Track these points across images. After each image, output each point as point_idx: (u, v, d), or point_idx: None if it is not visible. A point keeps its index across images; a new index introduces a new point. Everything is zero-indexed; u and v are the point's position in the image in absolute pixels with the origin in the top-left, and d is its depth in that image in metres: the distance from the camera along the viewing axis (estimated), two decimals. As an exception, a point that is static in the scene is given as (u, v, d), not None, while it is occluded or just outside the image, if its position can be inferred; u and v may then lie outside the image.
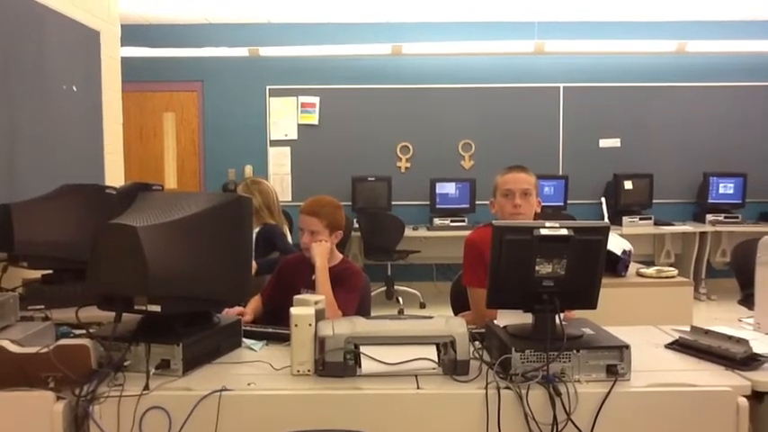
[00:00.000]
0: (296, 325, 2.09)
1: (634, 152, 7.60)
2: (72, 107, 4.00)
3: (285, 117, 7.46)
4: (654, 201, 7.38)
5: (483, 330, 2.37)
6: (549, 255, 2.09)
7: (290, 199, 7.42)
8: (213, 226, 2.20)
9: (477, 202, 7.24)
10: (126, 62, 6.85)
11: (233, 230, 2.28)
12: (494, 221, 2.18)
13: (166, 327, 2.13)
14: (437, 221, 7.06)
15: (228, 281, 2.26)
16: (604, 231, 2.14)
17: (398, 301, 6.75)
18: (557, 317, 2.14)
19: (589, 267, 2.14)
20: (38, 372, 2.01)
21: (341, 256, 2.94)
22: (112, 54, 4.69)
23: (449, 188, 7.25)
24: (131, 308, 2.11)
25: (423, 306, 6.80)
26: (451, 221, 7.03)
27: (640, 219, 7.17)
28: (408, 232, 6.81)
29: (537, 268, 2.09)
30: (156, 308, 2.07)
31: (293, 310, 2.11)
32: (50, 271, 3.06)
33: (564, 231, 2.08)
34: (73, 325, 2.61)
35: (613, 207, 6.95)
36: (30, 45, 3.54)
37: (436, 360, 2.05)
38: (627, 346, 2.05)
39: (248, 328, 2.50)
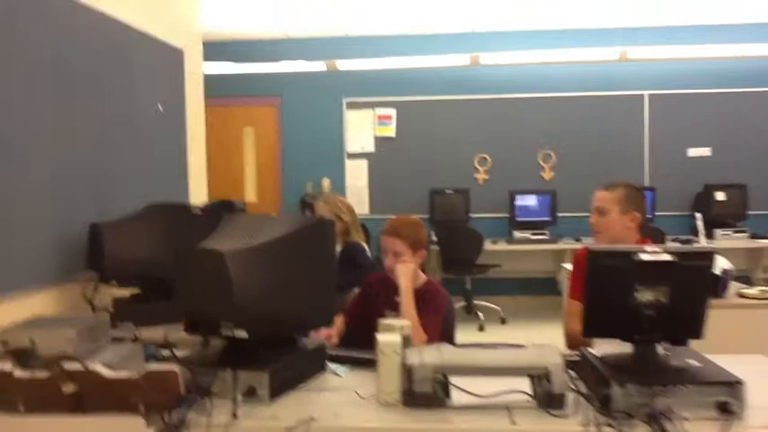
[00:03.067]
0: (382, 353, 2.02)
1: (726, 161, 7.22)
2: (158, 126, 4.09)
3: (362, 130, 7.48)
4: (749, 212, 6.98)
5: (576, 358, 2.25)
6: (651, 281, 1.96)
7: (367, 212, 7.42)
8: (298, 249, 2.17)
9: (558, 214, 7.04)
10: (207, 78, 7.05)
11: (317, 253, 2.25)
12: (591, 245, 2.06)
13: (252, 351, 2.11)
14: (517, 234, 6.89)
15: (314, 304, 2.23)
16: (710, 257, 1.99)
17: (478, 316, 6.61)
18: (659, 348, 2.01)
19: (694, 295, 1.99)
20: (128, 396, 2.03)
21: (425, 277, 2.87)
22: (195, 71, 4.79)
23: (529, 200, 7.08)
24: (218, 332, 2.10)
25: (503, 322, 6.64)
26: (532, 234, 6.85)
27: (734, 231, 6.79)
28: (487, 245, 6.68)
29: (637, 296, 1.97)
30: (243, 333, 2.05)
31: (380, 338, 2.05)
32: (138, 289, 3.12)
33: (666, 257, 1.95)
34: (160, 345, 2.66)
35: (704, 219, 6.60)
36: (117, 66, 3.63)
37: (530, 393, 1.95)
38: (740, 382, 1.89)
39: (332, 352, 2.46)
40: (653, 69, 7.19)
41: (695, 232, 6.79)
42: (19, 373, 2.07)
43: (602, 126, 7.28)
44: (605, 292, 2.00)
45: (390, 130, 7.45)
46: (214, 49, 6.72)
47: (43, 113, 3.00)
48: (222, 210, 3.81)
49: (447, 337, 2.82)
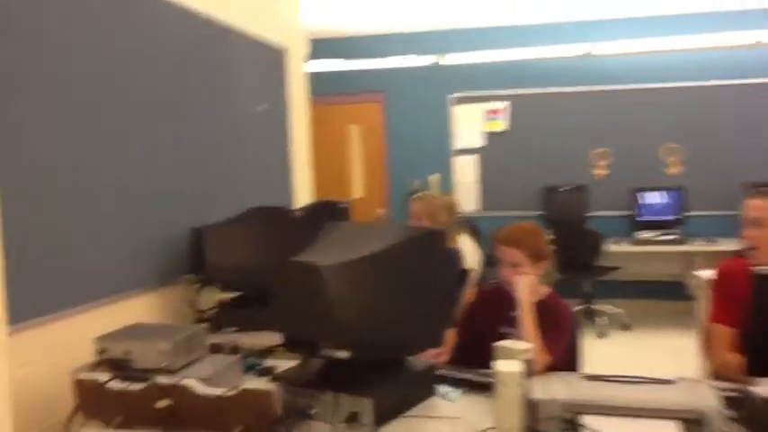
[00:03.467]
0: (503, 384, 1.76)
1: None
2: (260, 127, 3.99)
3: (470, 125, 7.16)
4: None
5: (733, 393, 1.89)
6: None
7: (476, 209, 7.11)
8: (404, 263, 1.95)
9: (687, 214, 6.45)
10: (311, 76, 7.00)
11: (425, 267, 2.01)
12: (756, 268, 1.70)
13: (355, 373, 1.91)
14: (641, 235, 6.36)
15: (421, 323, 2.00)
16: None
17: (597, 322, 6.16)
18: None
19: None
20: (222, 415, 1.89)
21: (547, 289, 2.57)
22: (298, 70, 4.68)
23: (654, 197, 6.52)
24: (317, 352, 1.91)
25: (627, 328, 6.16)
26: (658, 235, 6.30)
27: None
28: (608, 246, 6.20)
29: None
30: (344, 354, 1.85)
31: (499, 366, 1.79)
32: (240, 293, 3.01)
33: None
34: (261, 353, 2.52)
35: None
36: (217, 68, 3.55)
37: (680, 439, 1.63)
38: None
39: (442, 372, 2.21)
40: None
41: None
42: (114, 384, 1.97)
43: (736, 116, 6.58)
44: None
45: (500, 125, 7.08)
46: (317, 47, 6.64)
47: (145, 117, 2.94)
48: (324, 210, 3.67)
49: (572, 358, 2.51)
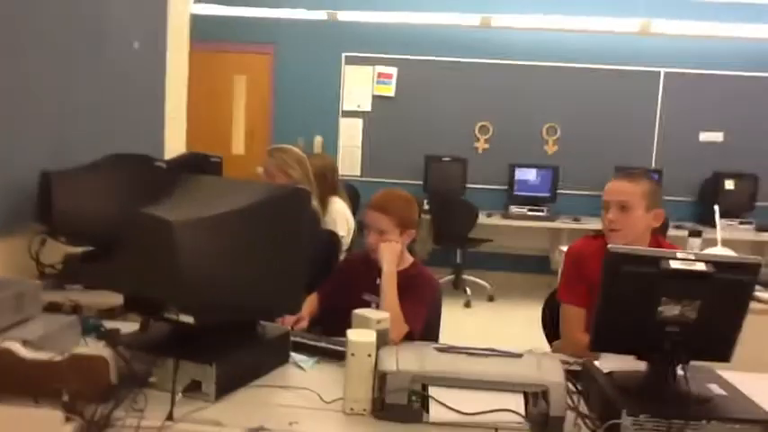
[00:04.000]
0: (352, 354, 1.71)
1: (738, 149, 6.86)
2: (133, 66, 3.69)
3: (360, 87, 7.06)
4: (757, 203, 6.67)
5: (578, 367, 1.94)
6: (679, 294, 1.64)
7: (359, 174, 7.07)
8: (265, 223, 1.84)
9: (558, 191, 6.71)
10: (197, 20, 6.59)
11: (288, 229, 1.91)
12: (610, 245, 1.73)
13: (199, 339, 1.79)
14: (514, 209, 6.57)
15: (279, 288, 1.90)
16: (755, 270, 1.66)
17: (466, 291, 6.32)
18: (678, 369, 1.70)
19: (729, 313, 1.68)
20: (50, 382, 1.71)
21: (411, 259, 2.54)
22: (182, 10, 4.37)
23: (529, 174, 6.74)
24: (160, 315, 1.78)
25: (491, 299, 6.36)
26: (529, 210, 6.53)
27: (740, 223, 6.48)
28: (482, 219, 6.35)
29: (660, 309, 1.65)
30: (189, 318, 1.73)
31: (350, 335, 1.73)
32: (90, 248, 2.78)
33: (701, 267, 1.63)
34: (105, 314, 2.34)
35: (708, 207, 6.29)
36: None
37: (523, 413, 1.64)
38: (773, 422, 1.59)
39: (298, 339, 2.14)
40: (673, 46, 6.76)
41: (701, 220, 6.51)
42: None
43: (613, 102, 6.89)
44: (623, 302, 1.68)
45: (390, 90, 7.04)
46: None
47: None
48: (194, 164, 3.47)
49: (431, 329, 2.51)
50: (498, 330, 5.35)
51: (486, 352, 1.77)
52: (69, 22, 3.11)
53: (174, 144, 4.32)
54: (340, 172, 7.07)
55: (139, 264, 1.74)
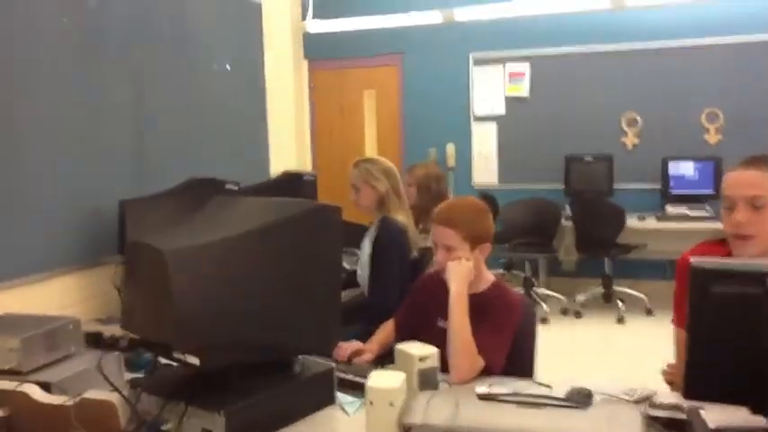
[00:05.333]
0: (371, 402, 1.42)
1: None
2: (225, 88, 3.66)
3: (491, 89, 6.67)
4: None
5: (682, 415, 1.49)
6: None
7: (495, 182, 6.68)
8: (279, 247, 1.61)
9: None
10: (322, 38, 6.58)
11: (310, 252, 1.66)
12: (693, 259, 1.29)
13: (215, 381, 1.59)
14: (670, 209, 5.82)
15: (304, 324, 1.65)
16: None
17: (618, 305, 5.68)
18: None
19: None
20: (63, 427, 1.61)
21: (492, 278, 2.18)
22: (283, 28, 4.32)
23: (686, 168, 5.95)
24: (170, 355, 1.61)
25: (649, 313, 5.66)
26: (689, 209, 5.75)
27: None
28: (633, 222, 5.68)
29: (774, 344, 1.19)
30: (195, 360, 1.54)
31: (369, 382, 1.45)
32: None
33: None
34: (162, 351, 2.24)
35: None
36: (174, 20, 3.23)
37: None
38: None
39: (349, 376, 1.88)
40: None
41: None
42: (-50, 387, 1.71)
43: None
44: (718, 333, 1.24)
45: (522, 89, 6.57)
46: (327, 5, 6.24)
47: (67, 74, 2.66)
48: (286, 184, 3.35)
49: (520, 363, 2.12)
50: (659, 349, 4.71)
51: (542, 400, 1.39)
52: (162, 52, 3.13)
53: (284, 163, 4.26)
54: (474, 180, 6.85)
55: (141, 300, 1.58)
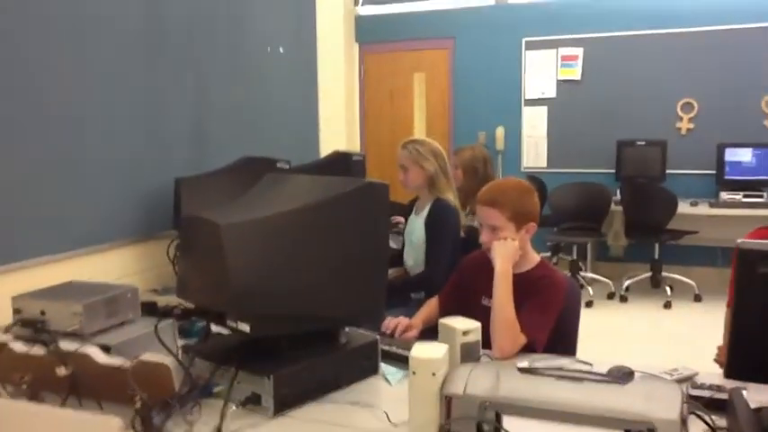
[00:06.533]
0: (414, 372, 1.46)
1: None
2: (279, 71, 3.73)
3: (542, 72, 6.60)
4: None
5: (723, 395, 1.50)
6: None
7: (545, 165, 6.63)
8: (328, 222, 1.66)
9: (780, 173, 5.70)
10: (374, 21, 6.61)
11: (359, 228, 1.71)
12: (740, 240, 1.30)
13: (264, 348, 1.66)
14: (725, 196, 5.69)
15: (351, 296, 1.71)
16: None
17: (666, 290, 5.60)
18: None
19: None
20: (122, 387, 1.70)
21: (537, 258, 2.20)
22: (336, 12, 4.36)
23: (744, 155, 5.79)
24: (223, 322, 1.68)
25: (698, 299, 5.56)
26: (744, 196, 5.61)
27: None
28: (685, 208, 5.57)
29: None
30: (245, 327, 1.61)
31: (412, 352, 1.49)
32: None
33: None
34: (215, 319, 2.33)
35: None
36: (230, 4, 3.30)
37: (623, 455, 1.28)
38: None
39: (393, 348, 1.93)
40: None
41: None
42: (18, 347, 1.83)
43: None
44: (765, 314, 1.24)
45: (575, 72, 6.48)
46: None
47: (133, 59, 2.76)
48: (335, 164, 3.40)
49: (565, 341, 2.15)
50: (706, 335, 4.63)
51: (581, 375, 1.41)
52: (215, 34, 3.21)
53: (333, 144, 4.33)
54: (524, 164, 6.80)
55: (196, 271, 1.65)
